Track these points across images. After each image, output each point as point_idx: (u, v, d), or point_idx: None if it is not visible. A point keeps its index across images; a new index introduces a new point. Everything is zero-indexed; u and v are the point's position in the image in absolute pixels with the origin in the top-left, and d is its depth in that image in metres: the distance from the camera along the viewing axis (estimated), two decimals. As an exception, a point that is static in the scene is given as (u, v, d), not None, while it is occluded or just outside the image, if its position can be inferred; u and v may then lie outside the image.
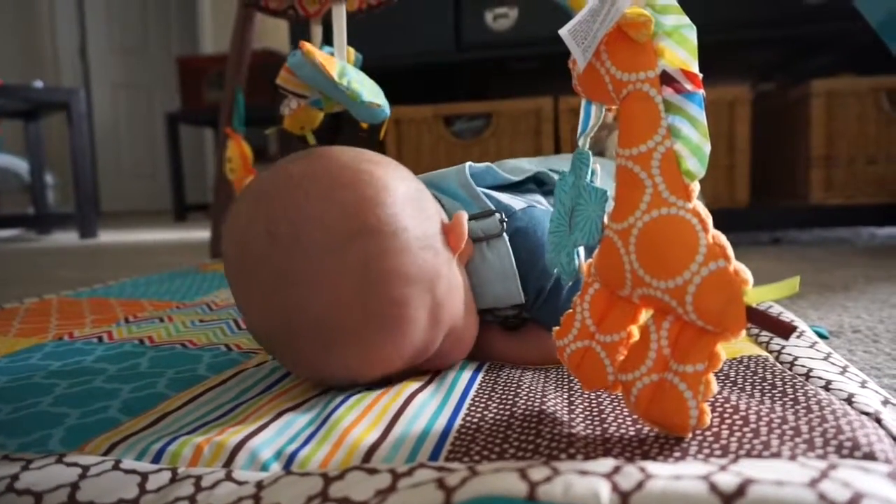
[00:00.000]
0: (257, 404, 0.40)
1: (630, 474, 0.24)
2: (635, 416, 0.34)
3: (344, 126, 1.75)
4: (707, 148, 0.29)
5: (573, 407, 0.37)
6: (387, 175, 0.41)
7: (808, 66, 1.77)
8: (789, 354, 0.45)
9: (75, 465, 0.31)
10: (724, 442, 0.30)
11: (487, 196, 0.50)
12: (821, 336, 0.58)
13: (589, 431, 0.33)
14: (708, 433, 0.31)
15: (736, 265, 0.27)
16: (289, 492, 0.27)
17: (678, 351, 0.29)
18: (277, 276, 0.38)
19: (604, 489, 0.24)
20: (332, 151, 0.43)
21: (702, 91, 0.30)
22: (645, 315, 0.32)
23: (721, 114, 1.47)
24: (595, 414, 0.36)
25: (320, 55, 0.65)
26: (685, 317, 0.29)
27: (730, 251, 0.28)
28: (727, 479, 0.23)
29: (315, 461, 0.32)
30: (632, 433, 0.33)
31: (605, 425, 0.34)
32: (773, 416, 0.32)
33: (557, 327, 0.36)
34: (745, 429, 0.31)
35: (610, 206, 0.32)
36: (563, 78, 0.35)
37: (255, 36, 1.35)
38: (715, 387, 0.29)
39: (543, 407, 0.37)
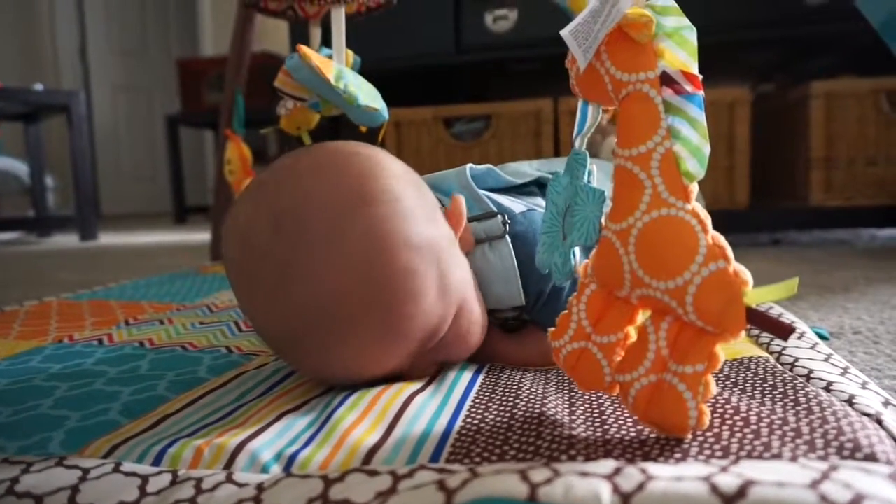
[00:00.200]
0: (258, 406, 0.40)
1: (631, 476, 0.24)
2: (636, 418, 0.34)
3: (343, 129, 1.75)
4: (707, 149, 0.29)
5: (574, 408, 0.37)
6: (379, 155, 0.42)
7: (808, 67, 1.77)
8: (790, 356, 0.45)
9: (75, 467, 0.31)
10: (724, 443, 0.30)
11: (488, 198, 0.50)
12: (821, 337, 0.58)
13: (590, 433, 0.33)
14: (709, 434, 0.31)
15: (736, 266, 0.27)
16: (289, 494, 0.27)
17: (677, 351, 0.29)
18: (284, 263, 0.37)
19: (604, 490, 0.24)
20: (323, 144, 0.44)
21: (701, 92, 0.30)
22: (642, 316, 0.32)
23: (721, 115, 1.47)
24: (596, 415, 0.36)
25: (317, 58, 0.65)
26: (685, 317, 0.29)
27: (729, 252, 0.28)
28: (728, 481, 0.23)
29: (315, 463, 0.32)
30: (632, 434, 0.33)
31: (606, 427, 0.34)
32: (773, 417, 0.32)
33: (552, 328, 0.36)
34: (746, 430, 0.31)
35: (607, 206, 0.32)
36: (563, 79, 0.35)
37: (254, 38, 1.35)
38: (714, 388, 0.29)
39: (544, 408, 0.37)
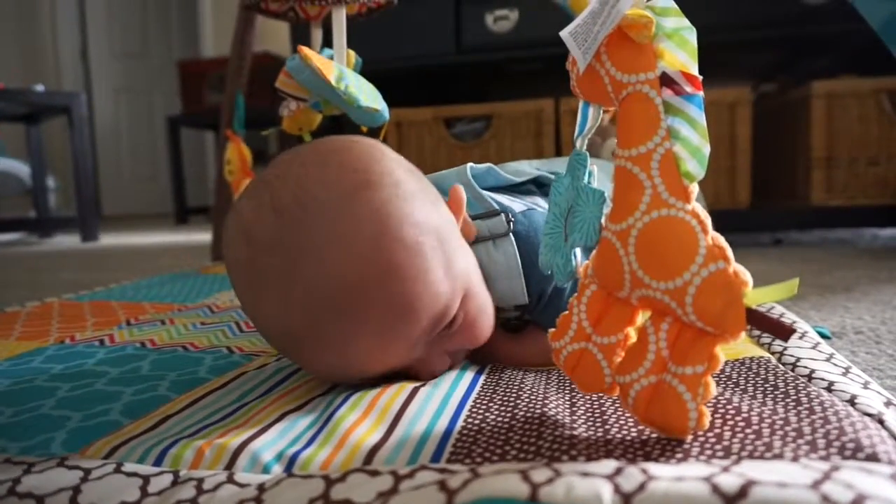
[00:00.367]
0: (259, 406, 0.40)
1: (632, 476, 0.24)
2: (636, 418, 0.34)
3: (345, 128, 1.75)
4: (706, 150, 0.29)
5: (575, 409, 0.37)
6: (379, 144, 0.43)
7: (809, 67, 1.77)
8: (792, 356, 0.45)
9: (77, 468, 0.31)
10: (726, 443, 0.30)
11: (490, 198, 0.50)
12: (823, 337, 0.58)
13: (591, 433, 0.33)
14: (710, 434, 0.31)
15: (735, 267, 0.27)
16: (290, 494, 0.27)
17: (677, 352, 0.29)
18: (290, 249, 0.37)
19: (606, 491, 0.24)
20: (322, 138, 0.44)
21: (701, 93, 0.30)
22: (642, 317, 0.32)
23: (722, 115, 1.47)
24: (597, 415, 0.36)
25: (318, 59, 0.65)
26: (685, 318, 0.29)
27: (729, 253, 0.28)
28: (729, 481, 0.23)
29: (316, 463, 0.32)
30: (634, 434, 0.33)
31: (607, 427, 0.34)
32: (775, 417, 0.32)
33: (552, 329, 0.36)
34: (748, 430, 0.31)
35: (608, 207, 0.32)
36: (564, 80, 0.35)
37: (255, 39, 1.35)
38: (714, 389, 0.29)
39: (545, 409, 0.37)
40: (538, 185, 0.57)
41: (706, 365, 0.28)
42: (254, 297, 0.40)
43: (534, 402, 0.39)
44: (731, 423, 0.32)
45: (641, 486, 0.24)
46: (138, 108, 4.48)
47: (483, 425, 0.35)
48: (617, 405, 0.37)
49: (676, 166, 0.29)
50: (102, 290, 0.99)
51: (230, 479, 0.30)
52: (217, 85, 3.03)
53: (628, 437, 0.32)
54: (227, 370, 0.49)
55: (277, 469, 0.31)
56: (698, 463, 0.28)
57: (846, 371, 0.41)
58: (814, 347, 0.46)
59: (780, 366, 0.42)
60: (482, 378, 0.45)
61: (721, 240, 0.28)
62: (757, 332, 0.51)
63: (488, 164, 0.54)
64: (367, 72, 0.75)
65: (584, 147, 0.35)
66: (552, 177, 0.56)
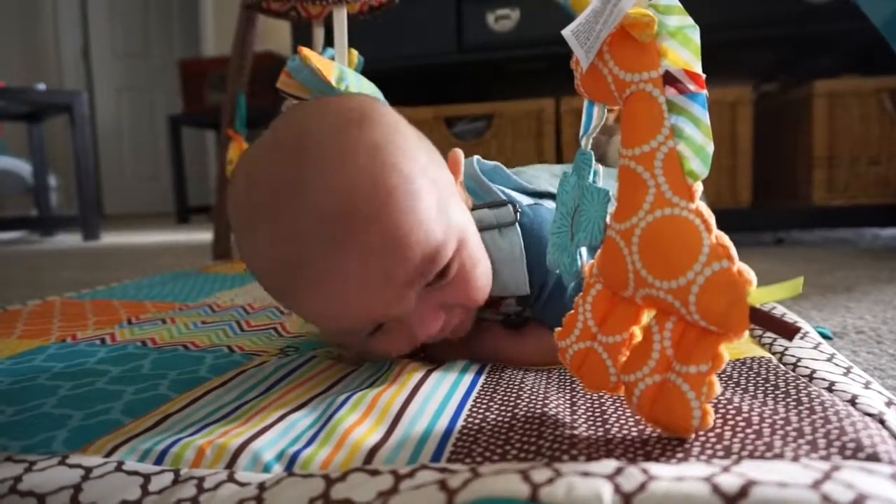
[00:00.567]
0: (259, 405, 0.40)
1: (632, 476, 0.24)
2: (638, 418, 0.34)
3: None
4: (710, 148, 0.29)
5: (575, 408, 0.37)
6: (379, 102, 0.44)
7: (811, 66, 1.77)
8: (793, 356, 0.45)
9: (78, 466, 0.31)
10: (726, 443, 0.30)
11: (497, 189, 0.50)
12: (824, 337, 0.58)
13: (591, 433, 0.33)
14: (711, 434, 0.31)
15: (739, 266, 0.27)
16: (291, 493, 0.27)
17: (681, 352, 0.29)
18: (285, 179, 0.37)
19: (606, 491, 0.23)
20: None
21: (705, 91, 0.30)
22: (647, 316, 0.32)
23: (723, 114, 1.47)
24: (597, 415, 0.36)
25: (318, 59, 0.65)
26: (688, 317, 0.29)
27: (733, 252, 0.28)
28: (730, 481, 0.23)
29: (317, 462, 0.32)
30: (634, 434, 0.33)
31: (608, 426, 0.34)
32: (776, 417, 0.32)
33: (559, 328, 0.36)
34: (748, 430, 0.31)
35: (613, 206, 0.32)
36: (565, 79, 0.35)
37: (256, 38, 1.35)
38: (718, 388, 0.29)
39: (546, 408, 0.37)
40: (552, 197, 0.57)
41: (710, 364, 0.28)
42: (248, 234, 0.40)
43: (534, 401, 0.39)
44: (731, 422, 0.32)
45: (642, 486, 0.24)
46: (140, 107, 4.49)
47: (483, 425, 0.35)
48: (617, 405, 0.37)
49: (680, 165, 0.29)
50: (104, 288, 0.99)
51: (231, 478, 0.30)
52: (218, 84, 3.03)
53: (629, 437, 0.32)
54: (227, 369, 0.49)
55: (278, 468, 0.31)
56: (699, 463, 0.28)
57: (847, 371, 0.41)
58: (815, 348, 0.46)
59: (781, 366, 0.42)
60: (482, 378, 0.45)
61: (725, 238, 0.28)
62: (759, 332, 0.51)
63: (495, 163, 0.54)
64: (368, 71, 0.75)
65: (590, 146, 0.35)
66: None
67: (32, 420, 0.39)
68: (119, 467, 0.31)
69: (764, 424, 0.31)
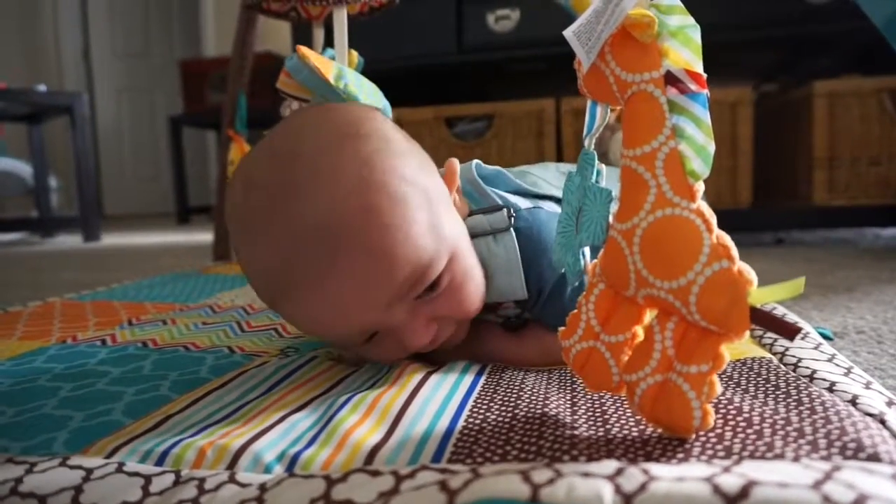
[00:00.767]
0: (260, 406, 0.40)
1: (633, 476, 0.24)
2: (638, 418, 0.34)
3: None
4: (711, 148, 0.29)
5: (576, 409, 0.37)
6: (378, 111, 0.45)
7: (811, 66, 1.77)
8: (793, 356, 0.45)
9: (79, 467, 0.31)
10: (727, 443, 0.30)
11: (494, 193, 0.50)
12: (825, 337, 0.58)
13: (592, 433, 0.33)
14: (711, 435, 0.31)
15: (740, 265, 0.27)
16: (292, 494, 0.27)
17: (682, 352, 0.29)
18: (280, 187, 0.38)
19: (607, 491, 0.23)
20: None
21: (706, 91, 0.30)
22: (650, 316, 0.32)
23: (723, 115, 1.47)
24: (598, 415, 0.36)
25: (316, 59, 0.65)
26: (689, 317, 0.29)
27: (734, 251, 0.28)
28: (730, 481, 0.23)
29: (318, 463, 0.32)
30: (635, 434, 0.33)
31: (608, 427, 0.34)
32: (776, 417, 0.32)
33: (562, 328, 0.36)
34: (749, 430, 0.31)
35: (615, 206, 0.32)
36: (566, 79, 0.35)
37: (257, 38, 1.35)
38: (719, 388, 0.29)
39: (546, 409, 0.37)
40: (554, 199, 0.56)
41: (711, 364, 0.28)
42: (243, 239, 0.41)
43: (534, 402, 0.39)
44: (732, 423, 0.32)
45: (642, 487, 0.24)
46: (140, 107, 4.49)
47: (484, 425, 0.35)
48: (618, 405, 0.37)
49: (681, 165, 0.29)
50: (104, 289, 0.99)
51: (232, 479, 0.30)
52: (219, 85, 3.03)
53: (629, 437, 0.32)
54: (228, 370, 0.49)
55: (279, 469, 0.31)
56: (699, 463, 0.28)
57: (848, 371, 0.41)
58: (816, 348, 0.46)
59: (782, 366, 0.42)
60: (483, 378, 0.45)
61: (726, 238, 0.28)
62: (759, 333, 0.51)
63: (497, 168, 0.54)
64: (368, 71, 0.75)
65: (593, 146, 0.35)
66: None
67: (33, 421, 0.39)
68: (120, 468, 0.31)
69: (765, 425, 0.31)
